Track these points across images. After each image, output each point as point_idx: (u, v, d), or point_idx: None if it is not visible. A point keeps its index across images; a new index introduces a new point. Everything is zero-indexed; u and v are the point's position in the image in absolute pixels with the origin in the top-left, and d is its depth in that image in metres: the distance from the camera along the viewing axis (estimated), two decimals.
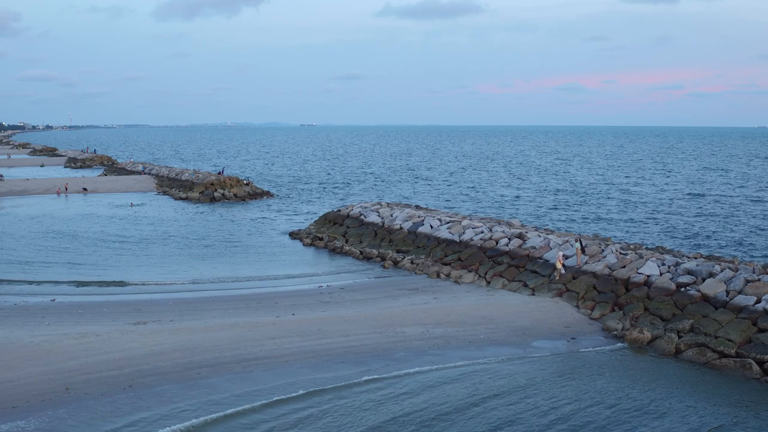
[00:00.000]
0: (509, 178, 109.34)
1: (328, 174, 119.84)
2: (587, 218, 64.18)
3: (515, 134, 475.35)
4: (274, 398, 21.95)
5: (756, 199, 78.11)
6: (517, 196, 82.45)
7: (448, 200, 79.29)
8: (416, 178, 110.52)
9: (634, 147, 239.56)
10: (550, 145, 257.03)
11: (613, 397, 22.48)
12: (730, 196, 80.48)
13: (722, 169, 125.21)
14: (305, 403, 21.76)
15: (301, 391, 22.45)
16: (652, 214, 66.30)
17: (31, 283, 38.77)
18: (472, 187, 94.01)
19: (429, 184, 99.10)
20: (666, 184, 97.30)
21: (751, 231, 56.10)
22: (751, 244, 50.64)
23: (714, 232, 55.89)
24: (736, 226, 58.70)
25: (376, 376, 23.83)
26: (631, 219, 63.26)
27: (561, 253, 36.08)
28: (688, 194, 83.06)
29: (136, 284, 38.54)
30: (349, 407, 21.53)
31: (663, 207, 71.21)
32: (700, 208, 70.43)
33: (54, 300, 34.64)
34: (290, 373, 24.06)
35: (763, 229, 56.87)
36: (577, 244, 36.36)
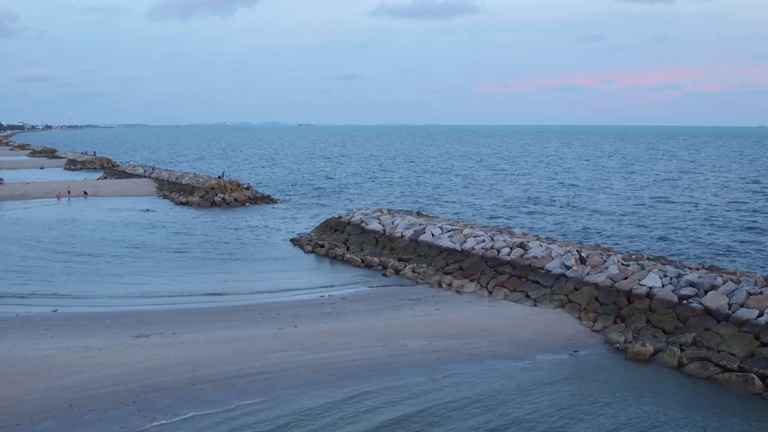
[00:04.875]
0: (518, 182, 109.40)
1: (330, 178, 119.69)
2: (591, 227, 64.14)
3: (513, 133, 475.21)
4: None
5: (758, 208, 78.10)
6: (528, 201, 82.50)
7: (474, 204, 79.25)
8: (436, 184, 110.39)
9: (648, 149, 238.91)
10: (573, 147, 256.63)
11: (622, 417, 22.43)
12: (733, 202, 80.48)
13: (722, 174, 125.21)
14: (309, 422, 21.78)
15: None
16: (651, 220, 66.28)
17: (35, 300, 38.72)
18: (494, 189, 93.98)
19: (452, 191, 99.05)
20: (670, 189, 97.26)
21: (751, 241, 56.10)
22: (752, 253, 50.61)
23: (714, 241, 55.89)
24: (735, 234, 58.69)
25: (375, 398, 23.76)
26: (633, 226, 63.26)
27: (576, 251, 36.57)
28: (689, 201, 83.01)
29: (137, 294, 38.55)
30: (351, 425, 21.54)
31: (663, 213, 71.20)
32: (703, 216, 70.42)
33: (56, 311, 34.61)
34: (293, 390, 24.09)
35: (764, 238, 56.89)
36: (575, 253, 36.46)
